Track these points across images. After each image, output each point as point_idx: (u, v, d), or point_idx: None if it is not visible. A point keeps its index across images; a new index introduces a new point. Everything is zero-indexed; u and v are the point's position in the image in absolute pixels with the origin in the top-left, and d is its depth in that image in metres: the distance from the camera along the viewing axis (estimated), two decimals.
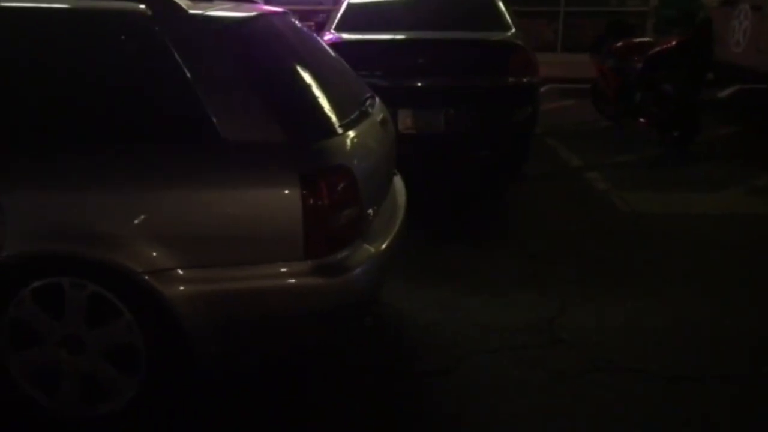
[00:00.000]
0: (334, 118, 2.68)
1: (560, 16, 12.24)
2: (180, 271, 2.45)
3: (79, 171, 2.48)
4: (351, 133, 2.74)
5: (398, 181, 3.55)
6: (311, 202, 2.43)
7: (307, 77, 2.79)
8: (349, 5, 5.85)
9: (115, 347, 2.54)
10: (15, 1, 2.73)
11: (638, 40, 7.41)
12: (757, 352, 3.20)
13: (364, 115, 3.02)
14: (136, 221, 2.43)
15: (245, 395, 2.87)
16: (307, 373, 3.05)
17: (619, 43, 7.33)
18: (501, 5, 5.84)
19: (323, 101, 2.71)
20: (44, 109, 2.54)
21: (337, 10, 5.87)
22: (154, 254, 2.43)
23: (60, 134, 2.52)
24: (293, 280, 2.48)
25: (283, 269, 2.47)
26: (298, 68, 2.80)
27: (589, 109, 8.11)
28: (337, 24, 5.64)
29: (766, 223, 4.90)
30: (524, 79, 5.20)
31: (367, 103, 3.19)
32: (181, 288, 2.45)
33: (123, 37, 2.57)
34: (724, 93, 9.27)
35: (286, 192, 2.43)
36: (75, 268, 2.48)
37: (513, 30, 5.51)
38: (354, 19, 5.65)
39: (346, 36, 5.38)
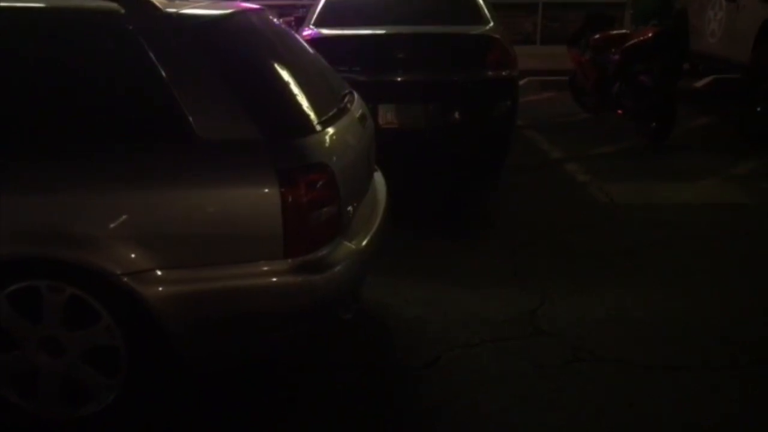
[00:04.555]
0: (312, 116, 2.67)
1: (539, 8, 12.27)
2: (159, 272, 2.43)
3: (54, 172, 2.45)
4: (329, 130, 2.74)
5: (378, 177, 3.54)
6: (290, 200, 2.42)
7: (284, 74, 2.78)
8: (328, 1, 5.82)
9: (95, 349, 2.52)
10: None
11: (615, 32, 7.44)
12: (734, 342, 3.23)
13: (343, 111, 3.02)
14: (113, 222, 2.41)
15: (229, 394, 2.86)
16: (296, 370, 3.05)
17: (597, 36, 7.37)
18: None
19: (301, 98, 2.71)
20: (16, 109, 2.51)
21: (316, 6, 5.84)
22: (133, 255, 2.42)
23: (33, 135, 2.49)
24: (273, 279, 2.47)
25: (263, 268, 2.46)
26: (275, 65, 2.79)
27: (568, 101, 8.16)
28: (316, 19, 5.61)
29: (744, 212, 4.96)
30: (503, 73, 5.20)
31: (346, 99, 3.19)
32: (161, 289, 2.43)
33: (96, 36, 2.55)
34: (700, 83, 9.35)
35: (265, 190, 2.42)
36: (52, 271, 2.45)
37: (492, 24, 5.51)
38: (333, 15, 5.62)
39: (325, 31, 5.36)
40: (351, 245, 2.74)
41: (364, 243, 2.84)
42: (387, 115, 5.10)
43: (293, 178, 2.43)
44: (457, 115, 5.09)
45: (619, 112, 7.06)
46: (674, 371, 3.00)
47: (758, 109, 6.68)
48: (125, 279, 2.41)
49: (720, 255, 4.21)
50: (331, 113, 2.87)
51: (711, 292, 3.73)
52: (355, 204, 2.91)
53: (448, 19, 5.57)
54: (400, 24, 5.37)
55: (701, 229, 4.64)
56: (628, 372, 2.99)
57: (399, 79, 5.15)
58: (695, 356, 3.11)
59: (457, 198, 5.34)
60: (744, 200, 5.17)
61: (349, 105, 3.15)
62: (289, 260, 2.47)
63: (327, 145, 2.68)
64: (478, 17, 5.61)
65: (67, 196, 2.43)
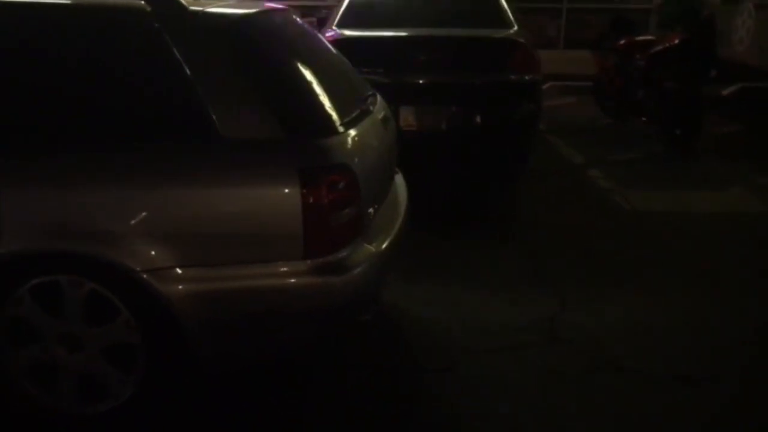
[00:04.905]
0: (335, 116, 2.66)
1: (563, 12, 12.20)
2: (179, 270, 2.43)
3: (78, 168, 2.47)
4: (352, 132, 2.73)
5: (399, 180, 3.53)
6: (311, 200, 2.41)
7: (307, 75, 2.77)
8: (351, 2, 5.82)
9: (113, 345, 2.53)
10: None
11: (641, 37, 7.38)
12: (759, 353, 3.18)
13: (366, 113, 3.00)
14: (134, 219, 2.42)
15: (240, 394, 2.86)
16: (308, 370, 3.04)
17: (622, 41, 7.31)
18: (503, 2, 5.81)
19: (324, 99, 2.70)
20: (43, 105, 2.52)
21: (339, 7, 5.84)
22: (153, 252, 2.42)
23: (58, 131, 2.51)
24: (292, 280, 2.46)
25: (282, 268, 2.46)
26: (299, 66, 2.78)
27: (590, 106, 8.09)
28: (339, 21, 5.61)
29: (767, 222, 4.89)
30: (527, 77, 5.18)
31: (369, 101, 3.18)
32: (180, 287, 2.43)
33: (122, 33, 2.55)
34: (727, 91, 9.23)
35: (286, 190, 2.41)
36: (73, 266, 2.47)
37: (515, 27, 5.48)
38: (356, 16, 5.62)
39: (348, 33, 5.36)
40: (371, 247, 2.72)
41: (384, 246, 2.82)
42: (409, 117, 5.09)
43: (315, 178, 2.43)
44: (478, 118, 5.06)
45: (643, 118, 6.99)
46: (696, 382, 2.95)
47: None
48: (145, 275, 2.42)
49: (743, 265, 4.15)
50: (354, 114, 2.86)
51: (733, 302, 3.67)
52: (376, 206, 2.90)
53: (471, 22, 5.55)
54: (423, 26, 5.36)
55: (724, 238, 4.57)
56: (647, 383, 2.94)
57: (421, 81, 5.14)
58: (716, 367, 3.06)
59: (477, 201, 5.31)
60: None
61: (371, 107, 3.14)
62: (309, 261, 2.46)
63: (349, 146, 2.66)
64: (501, 21, 5.59)
65: (89, 192, 2.44)
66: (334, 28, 5.49)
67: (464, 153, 5.28)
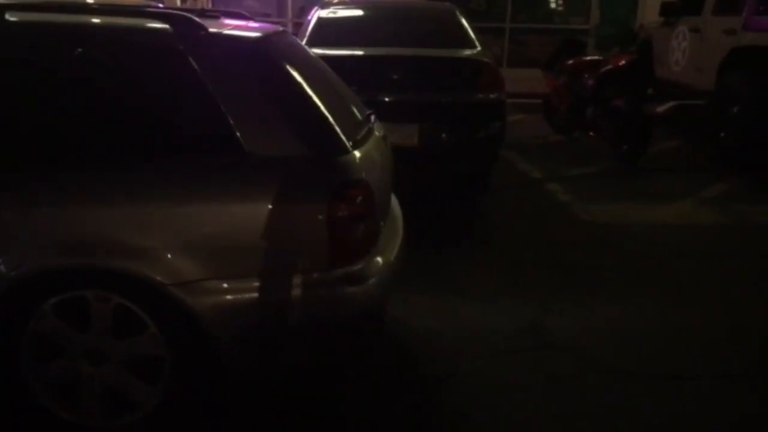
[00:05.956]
0: (351, 134, 2.79)
1: (506, 32, 12.64)
2: (206, 283, 2.50)
3: (104, 184, 2.52)
4: (363, 149, 2.86)
5: (393, 196, 3.67)
6: (336, 214, 2.53)
7: (322, 94, 2.89)
8: (320, 20, 5.95)
9: (139, 358, 2.58)
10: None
11: (589, 58, 7.80)
12: (725, 353, 3.45)
13: (371, 131, 3.15)
14: (163, 234, 2.48)
15: (260, 402, 2.93)
16: (316, 378, 3.14)
17: (571, 61, 7.69)
18: (466, 23, 6.05)
19: (338, 117, 2.82)
20: (72, 123, 2.57)
21: (307, 26, 5.96)
22: (181, 266, 2.48)
23: (86, 148, 2.56)
24: (318, 290, 2.57)
25: (308, 279, 2.56)
26: (313, 85, 2.89)
27: (539, 123, 8.46)
28: (308, 39, 5.73)
29: (719, 232, 5.25)
30: (493, 95, 5.42)
31: (371, 119, 3.32)
32: (208, 299, 2.50)
33: (148, 54, 2.63)
34: (662, 108, 9.75)
35: (313, 204, 2.52)
36: (100, 281, 2.51)
37: (479, 48, 5.73)
38: (324, 35, 5.75)
39: (318, 51, 5.46)
40: (381, 259, 2.85)
41: (393, 257, 2.96)
42: None
43: (339, 193, 2.55)
44: (450, 135, 5.27)
45: (592, 134, 7.37)
46: (678, 381, 3.18)
47: (722, 134, 7.05)
48: (172, 289, 2.48)
49: (704, 271, 4.47)
50: (363, 132, 3.00)
51: (700, 305, 3.96)
52: (382, 221, 3.03)
53: (437, 42, 5.77)
54: (391, 46, 5.53)
55: (683, 247, 4.89)
56: (636, 382, 3.16)
57: (393, 99, 5.29)
58: (693, 366, 3.31)
59: (450, 214, 5.51)
60: (719, 220, 5.48)
61: (374, 125, 3.28)
62: (333, 272, 2.57)
63: (363, 162, 2.80)
64: (466, 41, 5.84)
65: (116, 207, 2.49)
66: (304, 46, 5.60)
67: (434, 169, 5.48)
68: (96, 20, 2.73)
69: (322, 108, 2.82)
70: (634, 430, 2.85)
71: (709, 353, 3.44)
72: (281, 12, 13.18)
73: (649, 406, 2.99)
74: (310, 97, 2.83)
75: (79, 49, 2.61)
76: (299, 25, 6.44)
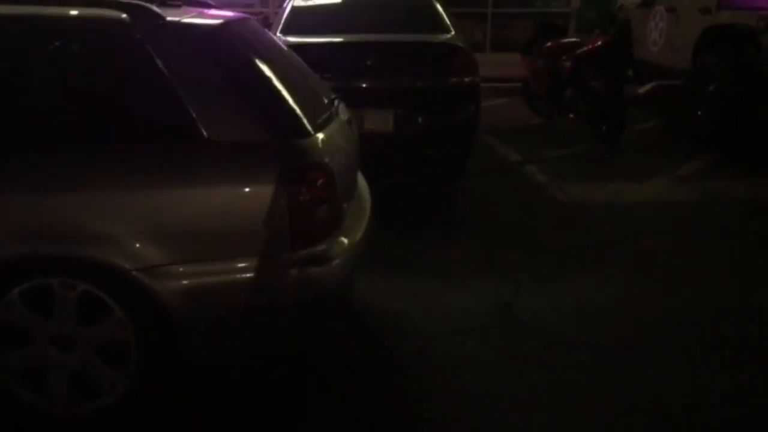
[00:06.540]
0: (310, 118, 2.83)
1: (488, 17, 12.65)
2: (169, 267, 2.55)
3: (66, 171, 2.56)
4: (325, 132, 2.90)
5: (361, 179, 3.72)
6: (296, 197, 2.58)
7: (281, 80, 2.92)
8: (294, 9, 5.97)
9: (106, 344, 2.62)
10: None
11: (567, 40, 7.83)
12: (687, 325, 3.52)
13: (333, 115, 3.19)
14: (125, 220, 2.53)
15: (229, 383, 2.98)
16: (289, 361, 3.19)
17: (549, 44, 7.72)
18: (440, 8, 6.08)
19: (299, 102, 2.85)
20: (31, 113, 2.61)
21: (282, 14, 5.98)
22: (145, 252, 2.53)
23: (47, 137, 2.59)
24: (281, 271, 2.62)
25: (272, 262, 2.61)
26: (273, 71, 2.93)
27: (520, 106, 8.49)
28: (283, 27, 5.76)
29: (691, 209, 5.32)
30: (467, 79, 5.45)
31: (335, 104, 3.36)
32: (171, 283, 2.55)
33: (106, 43, 2.66)
34: (643, 89, 9.80)
35: (273, 188, 2.56)
36: (65, 268, 2.55)
37: (453, 32, 5.76)
38: (299, 23, 5.77)
39: (292, 39, 5.49)
40: (346, 240, 2.90)
41: (357, 239, 3.00)
42: (357, 121, 5.27)
43: (299, 177, 2.59)
44: (425, 120, 5.30)
45: (571, 116, 7.42)
46: (640, 351, 3.26)
47: (699, 112, 7.10)
48: (136, 274, 2.52)
49: (674, 248, 4.53)
50: (324, 116, 3.04)
51: (666, 281, 4.02)
52: (347, 202, 3.08)
53: (411, 27, 5.78)
54: (365, 32, 5.56)
55: (654, 225, 4.96)
56: (601, 354, 3.24)
57: (368, 85, 5.32)
58: (657, 338, 3.39)
59: (425, 199, 5.56)
60: (693, 197, 5.54)
61: (337, 109, 3.32)
62: (295, 253, 2.62)
63: (324, 146, 2.84)
64: (440, 26, 5.85)
65: (78, 195, 2.53)
66: (278, 34, 5.62)
67: (410, 153, 5.52)
68: (53, 11, 2.75)
69: (283, 93, 2.87)
70: (592, 398, 2.91)
71: (674, 327, 3.51)
72: (264, 1, 13.15)
73: (611, 377, 3.06)
74: (270, 83, 2.88)
75: (38, 40, 2.64)
76: None
